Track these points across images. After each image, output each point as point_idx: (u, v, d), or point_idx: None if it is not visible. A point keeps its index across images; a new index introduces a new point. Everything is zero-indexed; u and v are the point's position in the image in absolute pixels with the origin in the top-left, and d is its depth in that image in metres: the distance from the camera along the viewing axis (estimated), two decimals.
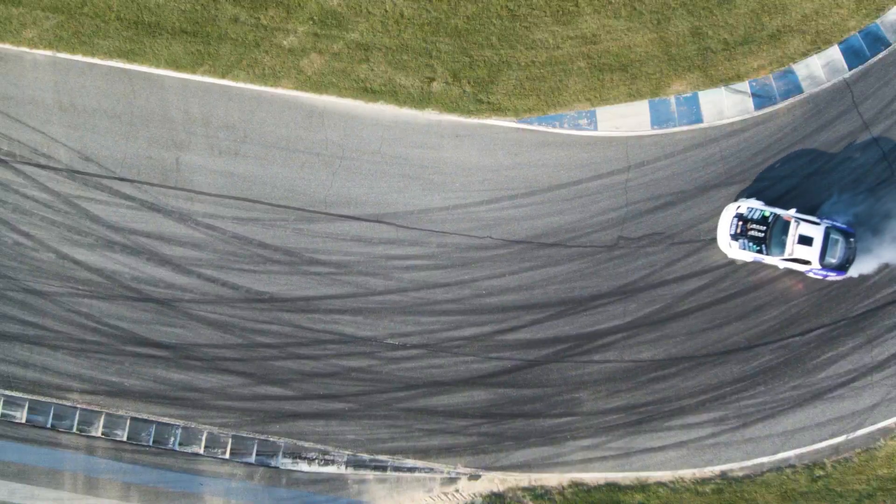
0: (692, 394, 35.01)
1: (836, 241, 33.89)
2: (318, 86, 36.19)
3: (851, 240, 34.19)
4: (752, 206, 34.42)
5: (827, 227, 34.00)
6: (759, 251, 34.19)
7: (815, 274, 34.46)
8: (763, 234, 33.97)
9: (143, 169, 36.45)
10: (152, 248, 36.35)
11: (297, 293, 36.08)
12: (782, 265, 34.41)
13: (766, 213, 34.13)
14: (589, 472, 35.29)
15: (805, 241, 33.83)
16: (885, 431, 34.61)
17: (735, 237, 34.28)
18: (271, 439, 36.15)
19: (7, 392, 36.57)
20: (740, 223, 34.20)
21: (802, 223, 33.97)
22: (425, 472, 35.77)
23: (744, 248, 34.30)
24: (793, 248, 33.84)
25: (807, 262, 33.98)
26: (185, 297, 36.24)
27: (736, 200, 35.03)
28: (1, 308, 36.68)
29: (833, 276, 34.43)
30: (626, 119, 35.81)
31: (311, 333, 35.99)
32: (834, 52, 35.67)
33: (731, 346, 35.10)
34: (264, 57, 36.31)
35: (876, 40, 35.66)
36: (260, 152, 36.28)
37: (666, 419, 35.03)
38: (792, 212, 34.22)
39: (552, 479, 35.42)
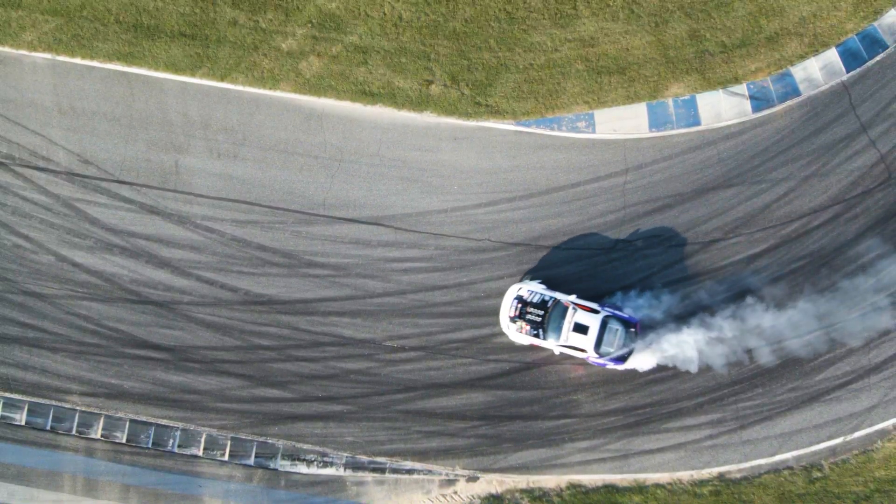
0: (690, 396, 35.04)
1: (615, 330, 33.47)
2: (317, 88, 36.27)
3: (632, 330, 33.72)
4: (532, 289, 34.17)
5: (605, 316, 33.62)
6: (537, 335, 33.98)
7: (593, 362, 34.25)
8: (541, 319, 33.74)
9: (142, 172, 36.52)
10: (151, 250, 36.43)
11: (295, 295, 36.15)
12: (558, 350, 34.21)
13: (546, 298, 33.91)
14: (587, 473, 35.34)
15: (580, 328, 33.50)
16: (883, 433, 34.65)
17: (514, 319, 34.08)
18: (270, 441, 36.22)
19: (6, 394, 36.65)
20: (520, 305, 33.98)
21: (580, 311, 33.60)
22: (424, 474, 35.85)
23: (520, 331, 34.14)
24: (568, 334, 33.57)
25: (583, 350, 33.79)
26: (184, 299, 36.32)
27: (521, 281, 34.94)
28: (0, 310, 36.75)
29: (612, 366, 34.13)
30: (624, 121, 35.87)
31: (310, 336, 36.06)
32: (831, 55, 35.73)
33: (729, 348, 35.08)
34: (263, 60, 36.38)
35: (873, 43, 35.71)
36: (259, 155, 36.35)
37: (664, 421, 35.07)
38: (572, 297, 33.98)
39: (550, 480, 35.48)
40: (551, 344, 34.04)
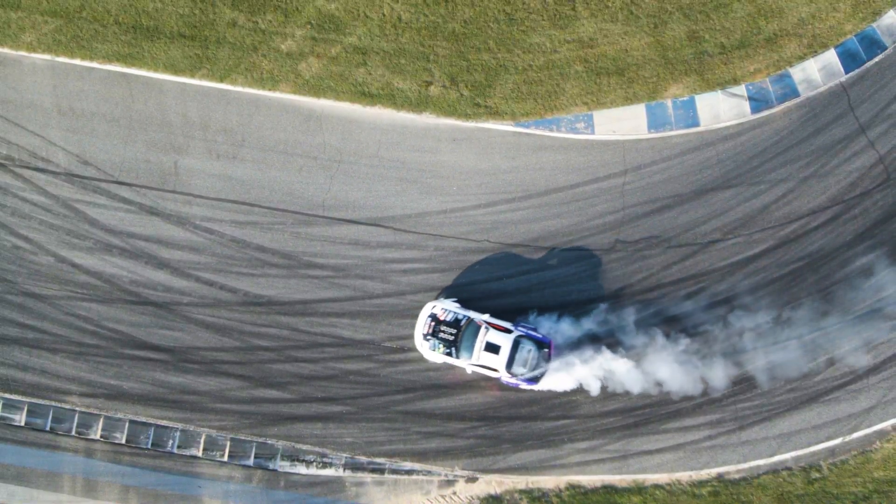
0: (688, 396, 35.06)
1: (527, 350, 33.57)
2: (316, 90, 36.28)
3: (545, 350, 33.83)
4: (446, 307, 34.26)
5: (517, 336, 33.72)
6: (449, 353, 34.09)
7: (506, 382, 34.30)
8: (453, 337, 33.82)
9: (141, 173, 36.53)
10: (151, 251, 36.45)
11: (294, 296, 36.18)
12: (470, 370, 34.30)
13: (460, 316, 33.99)
14: (586, 474, 35.38)
15: (492, 348, 33.59)
16: (881, 434, 34.72)
17: (426, 337, 34.20)
18: (269, 442, 36.24)
19: (6, 395, 36.64)
20: (433, 323, 34.07)
21: (492, 330, 33.70)
22: (423, 475, 35.88)
23: (434, 349, 34.21)
24: (479, 354, 33.66)
25: (495, 370, 33.88)
26: (183, 300, 36.33)
27: (436, 299, 35.04)
28: (0, 311, 36.76)
29: (525, 386, 34.23)
30: (623, 123, 35.91)
31: (309, 336, 36.07)
32: (830, 56, 35.77)
33: (727, 348, 35.14)
34: (262, 61, 36.39)
35: (872, 44, 35.76)
36: (258, 156, 36.36)
37: (662, 422, 35.11)
38: (486, 316, 34.08)
39: (549, 481, 35.52)
40: (464, 363, 34.15)
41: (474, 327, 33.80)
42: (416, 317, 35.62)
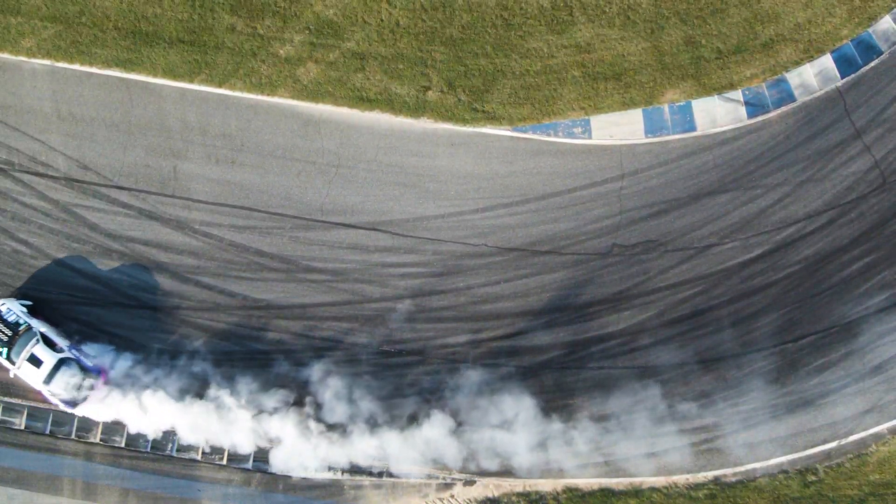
0: (686, 400, 35.16)
1: (70, 374, 34.11)
2: (315, 95, 36.38)
3: (90, 381, 34.34)
4: (12, 307, 34.72)
5: (62, 358, 34.25)
6: (0, 354, 34.55)
7: (45, 396, 34.73)
8: (8, 339, 34.28)
9: (140, 177, 36.64)
10: (150, 255, 36.55)
11: (293, 300, 36.28)
12: (13, 374, 34.71)
13: (21, 321, 34.46)
14: (583, 477, 35.47)
15: (35, 361, 34.12)
16: (877, 437, 34.83)
17: None
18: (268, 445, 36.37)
19: (6, 398, 36.73)
20: None
21: (42, 344, 34.19)
22: (421, 478, 35.98)
23: None
24: (22, 363, 34.17)
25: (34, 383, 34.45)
26: (182, 304, 36.44)
27: (8, 297, 35.47)
28: None
29: (63, 407, 34.71)
30: (620, 127, 36.01)
31: (307, 340, 36.19)
32: (826, 61, 35.89)
33: (725, 352, 35.27)
34: (261, 66, 36.50)
35: (868, 49, 35.88)
36: (257, 161, 36.47)
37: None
38: (43, 328, 34.57)
39: (547, 484, 35.62)
40: (10, 367, 34.64)
41: (30, 335, 34.33)
42: (413, 321, 35.74)
